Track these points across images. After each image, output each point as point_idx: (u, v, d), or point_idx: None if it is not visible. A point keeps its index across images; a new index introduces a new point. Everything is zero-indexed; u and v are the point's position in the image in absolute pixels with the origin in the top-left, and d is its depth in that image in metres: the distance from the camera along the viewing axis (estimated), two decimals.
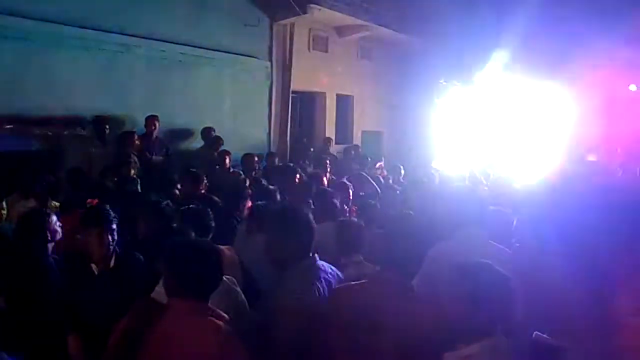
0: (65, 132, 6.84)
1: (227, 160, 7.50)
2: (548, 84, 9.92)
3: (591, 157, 8.02)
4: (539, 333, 2.33)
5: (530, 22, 9.14)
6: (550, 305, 2.97)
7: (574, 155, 8.05)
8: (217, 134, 8.32)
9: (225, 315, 2.31)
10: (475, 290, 2.21)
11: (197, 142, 8.48)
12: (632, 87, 9.96)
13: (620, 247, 3.39)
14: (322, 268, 2.75)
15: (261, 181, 6.30)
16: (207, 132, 8.32)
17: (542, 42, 9.29)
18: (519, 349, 2.32)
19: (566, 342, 2.56)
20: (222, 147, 8.02)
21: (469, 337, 2.22)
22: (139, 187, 5.73)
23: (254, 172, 7.37)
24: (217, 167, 7.51)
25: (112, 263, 3.32)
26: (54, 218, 3.65)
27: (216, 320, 2.24)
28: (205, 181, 5.54)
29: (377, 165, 9.80)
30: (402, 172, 8.50)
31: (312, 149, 9.96)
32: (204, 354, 2.16)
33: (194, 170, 5.74)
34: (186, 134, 8.50)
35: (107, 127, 7.06)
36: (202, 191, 5.29)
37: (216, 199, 4.90)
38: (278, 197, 5.31)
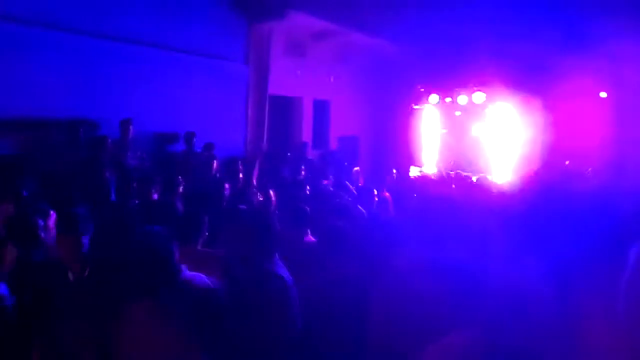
0: (37, 136, 6.72)
1: (215, 165, 7.48)
2: (522, 92, 10.08)
3: (565, 163, 8.18)
4: (509, 338, 2.36)
5: (505, 33, 9.30)
6: (521, 310, 3.02)
7: (548, 162, 8.20)
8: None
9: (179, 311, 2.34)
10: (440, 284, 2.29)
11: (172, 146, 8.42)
12: (603, 94, 10.16)
13: (591, 253, 3.46)
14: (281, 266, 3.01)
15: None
16: (189, 136, 8.30)
17: (517, 52, 9.46)
18: (490, 347, 2.34)
19: (536, 345, 2.60)
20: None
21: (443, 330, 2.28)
22: (112, 192, 5.65)
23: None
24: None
25: (87, 270, 3.26)
26: (40, 222, 3.60)
27: (169, 319, 2.28)
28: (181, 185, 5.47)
29: (354, 170, 9.85)
30: None
31: (288, 154, 9.95)
32: (161, 350, 2.20)
33: (147, 174, 5.63)
34: (163, 138, 8.42)
35: (82, 131, 6.97)
36: (156, 195, 5.14)
37: (171, 202, 4.68)
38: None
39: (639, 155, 8.31)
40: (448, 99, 11.03)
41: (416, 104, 11.52)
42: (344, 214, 5.01)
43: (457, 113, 11.43)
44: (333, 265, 3.72)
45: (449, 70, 11.04)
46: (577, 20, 8.72)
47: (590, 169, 7.70)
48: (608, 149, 8.61)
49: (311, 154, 10.67)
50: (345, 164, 10.05)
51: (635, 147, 8.37)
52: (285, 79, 10.52)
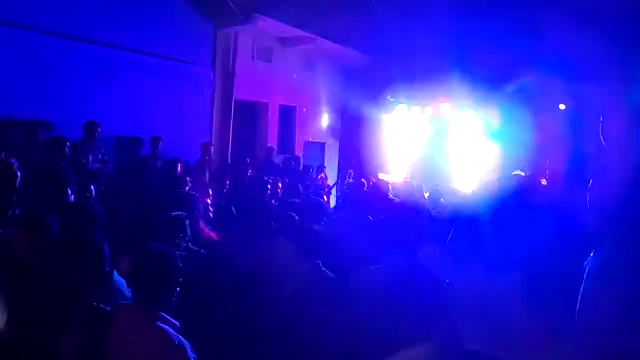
0: None
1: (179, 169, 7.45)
2: (484, 105, 10.31)
3: (521, 173, 8.36)
4: (476, 345, 2.41)
5: (470, 47, 9.51)
6: (488, 317, 3.08)
7: (506, 172, 8.39)
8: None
9: (176, 323, 2.39)
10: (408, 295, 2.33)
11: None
12: (562, 107, 10.45)
13: (555, 259, 3.56)
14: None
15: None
16: (155, 141, 8.26)
17: (480, 67, 9.68)
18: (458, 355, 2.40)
19: (502, 353, 2.65)
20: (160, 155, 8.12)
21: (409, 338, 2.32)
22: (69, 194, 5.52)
23: None
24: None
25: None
26: None
27: (163, 327, 2.33)
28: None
29: (319, 177, 9.92)
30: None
31: (248, 160, 9.93)
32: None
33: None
34: (125, 141, 8.30)
35: (41, 132, 6.83)
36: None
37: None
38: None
39: (595, 166, 8.57)
40: (417, 109, 11.20)
41: (385, 113, 11.64)
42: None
43: (425, 123, 11.60)
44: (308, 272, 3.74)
45: (417, 82, 11.20)
46: (536, 35, 8.98)
47: (545, 180, 7.92)
48: (564, 160, 8.85)
49: (277, 159, 10.70)
50: (312, 169, 10.11)
51: (590, 158, 8.63)
52: (252, 84, 10.50)
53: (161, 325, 2.34)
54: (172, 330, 2.35)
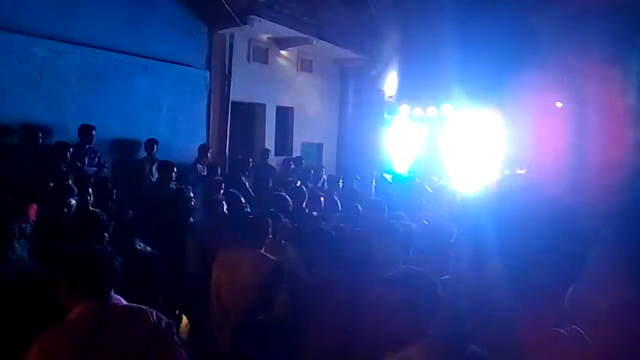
0: None
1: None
2: (485, 104, 10.29)
3: (522, 172, 8.35)
4: (475, 347, 2.37)
5: (467, 48, 9.50)
6: (487, 319, 3.04)
7: (508, 170, 8.37)
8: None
9: (124, 301, 2.55)
10: (406, 295, 2.31)
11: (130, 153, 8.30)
12: (559, 104, 10.43)
13: (553, 261, 3.53)
14: None
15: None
16: (151, 144, 8.22)
17: (478, 66, 9.67)
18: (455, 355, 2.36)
19: (502, 357, 2.61)
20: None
21: (405, 340, 2.28)
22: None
23: None
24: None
25: None
26: None
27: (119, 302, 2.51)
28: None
29: (322, 178, 9.91)
30: None
31: (251, 160, 9.86)
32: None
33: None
34: (121, 144, 8.25)
35: (40, 136, 6.81)
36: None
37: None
38: None
39: (593, 161, 8.58)
40: (421, 112, 11.15)
41: (386, 114, 11.60)
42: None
43: (426, 123, 11.57)
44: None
45: (417, 82, 11.17)
46: (534, 34, 8.99)
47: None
48: (562, 156, 8.84)
49: (274, 160, 10.66)
50: (312, 171, 10.07)
51: (588, 153, 8.64)
52: (248, 85, 10.44)
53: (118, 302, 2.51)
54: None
